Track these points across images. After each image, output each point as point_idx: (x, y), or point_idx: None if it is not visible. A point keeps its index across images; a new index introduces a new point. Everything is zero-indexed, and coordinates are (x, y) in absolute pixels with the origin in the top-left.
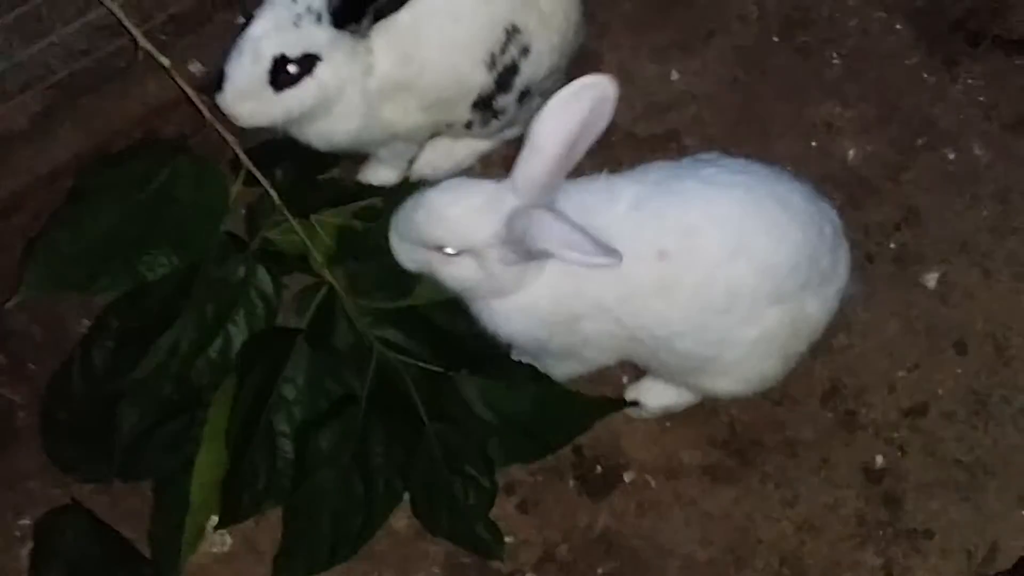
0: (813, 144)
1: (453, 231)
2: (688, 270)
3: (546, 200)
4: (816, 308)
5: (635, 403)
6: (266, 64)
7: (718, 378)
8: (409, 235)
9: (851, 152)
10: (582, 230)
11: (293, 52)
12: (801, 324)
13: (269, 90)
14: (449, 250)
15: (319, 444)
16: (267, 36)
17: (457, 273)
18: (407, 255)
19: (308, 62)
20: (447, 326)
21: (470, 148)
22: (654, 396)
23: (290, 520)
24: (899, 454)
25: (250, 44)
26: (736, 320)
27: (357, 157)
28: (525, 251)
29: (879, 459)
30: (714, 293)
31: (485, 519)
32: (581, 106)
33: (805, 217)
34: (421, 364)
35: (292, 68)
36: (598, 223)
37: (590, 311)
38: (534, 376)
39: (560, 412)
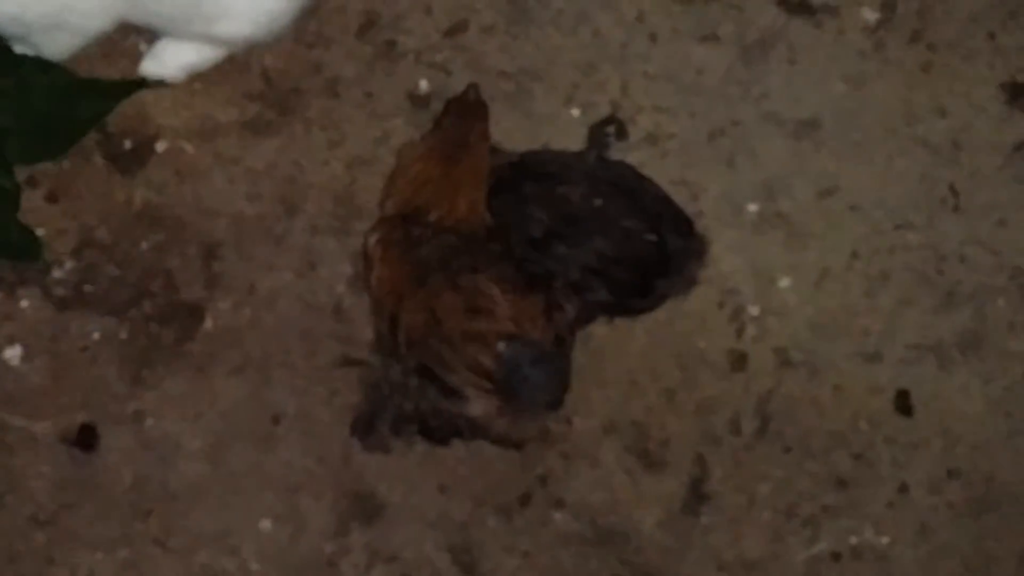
0: None
1: None
2: None
3: None
4: None
5: (159, 82)
6: None
7: (223, 21)
8: None
9: None
10: None
11: None
12: None
13: None
14: None
15: None
16: None
17: None
18: None
19: None
20: None
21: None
22: (172, 57)
23: None
24: (444, 75)
25: None
26: None
27: None
28: None
29: (423, 83)
30: None
31: (14, 222)
32: None
33: None
34: None
35: None
36: None
37: None
38: (42, 67)
39: (77, 100)
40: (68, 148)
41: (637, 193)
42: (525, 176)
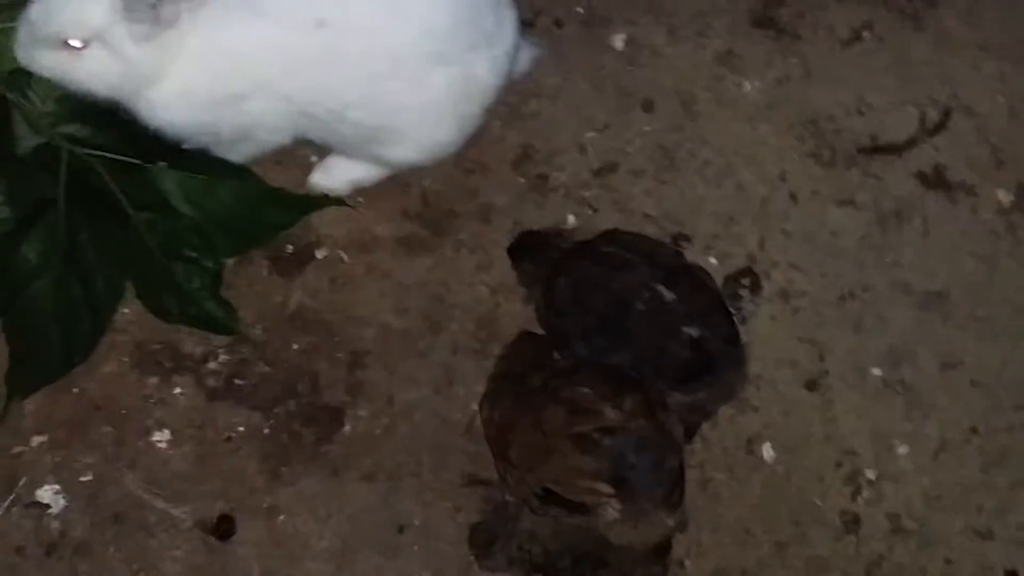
0: None
1: (67, 13)
2: (348, 38)
3: None
4: (484, 70)
5: (342, 202)
6: None
7: (395, 147)
8: (31, 38)
9: None
10: None
11: None
12: (470, 87)
13: None
14: (75, 43)
15: (25, 255)
16: None
17: (92, 69)
18: (37, 62)
19: None
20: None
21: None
22: (341, 173)
23: (14, 337)
24: (590, 212)
25: None
26: (402, 86)
27: None
28: (149, 11)
29: (571, 218)
30: (377, 59)
31: (215, 297)
32: None
33: None
34: (114, 157)
35: None
36: None
37: (253, 89)
38: (235, 171)
39: (262, 208)
40: (249, 250)
41: (694, 289)
42: (584, 256)
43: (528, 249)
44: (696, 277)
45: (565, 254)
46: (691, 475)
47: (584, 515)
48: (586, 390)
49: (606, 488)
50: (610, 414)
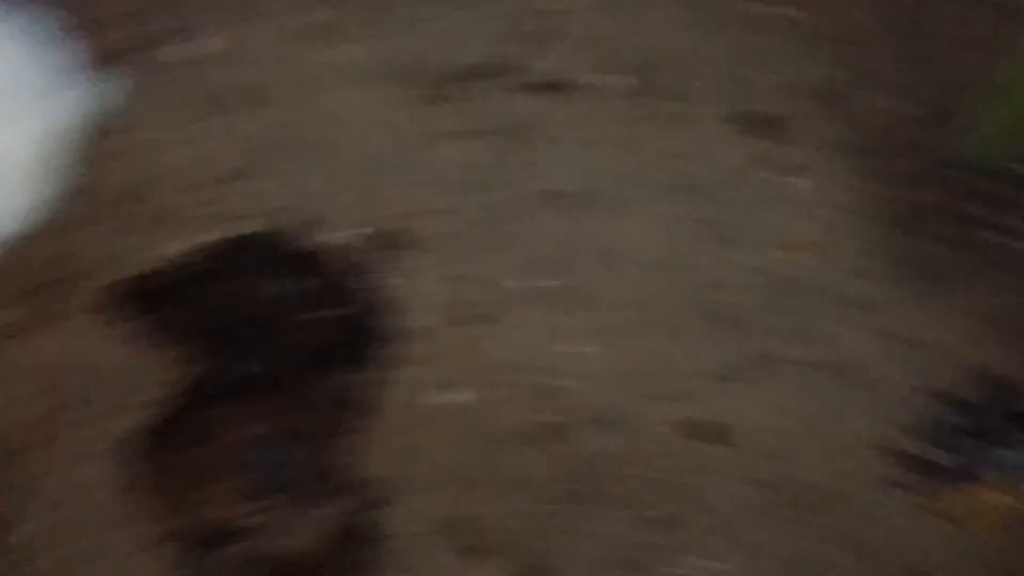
0: None
1: None
2: None
3: None
4: (40, 125)
5: None
6: None
7: None
8: None
9: None
10: None
11: None
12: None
13: None
14: None
15: None
16: None
17: None
18: None
19: None
20: None
21: None
22: None
23: None
24: (209, 230)
25: None
26: None
27: None
28: None
29: (187, 243)
30: None
31: None
32: None
33: None
34: None
35: None
36: None
37: None
38: None
39: None
40: None
41: (313, 274)
42: (197, 278)
43: (141, 295)
44: (313, 261)
45: (180, 283)
46: (385, 446)
47: (252, 540)
48: (221, 413)
49: (255, 504)
50: (244, 432)
